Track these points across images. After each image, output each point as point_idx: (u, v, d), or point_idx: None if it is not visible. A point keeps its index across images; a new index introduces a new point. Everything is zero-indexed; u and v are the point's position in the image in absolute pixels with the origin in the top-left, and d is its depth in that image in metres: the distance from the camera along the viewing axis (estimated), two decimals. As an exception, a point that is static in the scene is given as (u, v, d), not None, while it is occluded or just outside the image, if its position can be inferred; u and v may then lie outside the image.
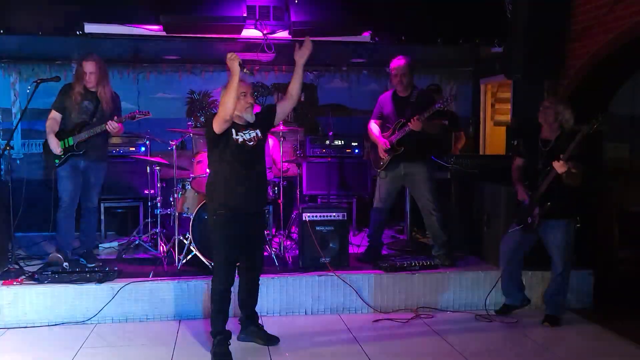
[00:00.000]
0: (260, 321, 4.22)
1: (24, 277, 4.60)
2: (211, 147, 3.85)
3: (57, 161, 4.93)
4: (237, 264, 4.01)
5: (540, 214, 4.35)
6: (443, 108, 5.01)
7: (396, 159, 5.20)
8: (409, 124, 5.01)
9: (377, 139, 5.27)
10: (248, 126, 3.87)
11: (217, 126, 3.69)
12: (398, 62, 5.12)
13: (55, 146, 4.88)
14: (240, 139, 3.80)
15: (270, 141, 6.10)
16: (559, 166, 4.20)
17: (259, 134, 3.90)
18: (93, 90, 5.00)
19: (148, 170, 5.91)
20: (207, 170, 4.17)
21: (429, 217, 5.27)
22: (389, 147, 5.17)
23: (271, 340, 4.12)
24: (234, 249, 3.88)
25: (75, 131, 4.93)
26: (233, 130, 3.78)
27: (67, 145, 4.91)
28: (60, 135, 4.94)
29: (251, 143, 3.83)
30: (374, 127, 5.37)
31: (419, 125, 4.98)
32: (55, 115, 4.98)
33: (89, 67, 4.90)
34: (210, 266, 4.87)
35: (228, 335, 3.93)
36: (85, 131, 4.92)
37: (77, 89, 4.95)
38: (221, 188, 3.82)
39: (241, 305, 4.14)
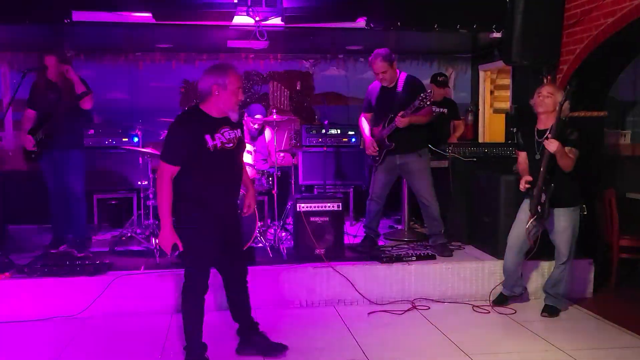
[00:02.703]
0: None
1: (13, 270, 4.53)
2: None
3: (33, 155, 5.05)
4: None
5: (548, 198, 4.25)
6: (422, 106, 4.79)
7: (390, 152, 5.11)
8: (395, 120, 4.90)
9: (364, 138, 5.23)
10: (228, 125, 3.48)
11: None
12: (374, 62, 4.94)
13: (28, 143, 5.00)
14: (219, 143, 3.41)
15: (267, 131, 6.01)
16: (548, 144, 4.13)
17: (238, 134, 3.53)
18: (55, 81, 5.07)
19: (141, 161, 5.82)
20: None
21: (426, 207, 5.18)
22: (377, 148, 5.11)
23: (276, 350, 3.72)
24: (212, 253, 3.51)
25: (42, 123, 5.02)
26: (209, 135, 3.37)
27: (38, 139, 5.01)
28: (31, 130, 5.04)
29: (230, 145, 3.45)
30: (363, 123, 5.31)
31: (404, 122, 4.87)
32: (29, 113, 5.12)
33: (48, 61, 5.00)
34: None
35: (205, 349, 3.58)
36: (51, 121, 4.99)
37: (41, 83, 5.05)
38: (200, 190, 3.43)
39: (235, 316, 3.79)
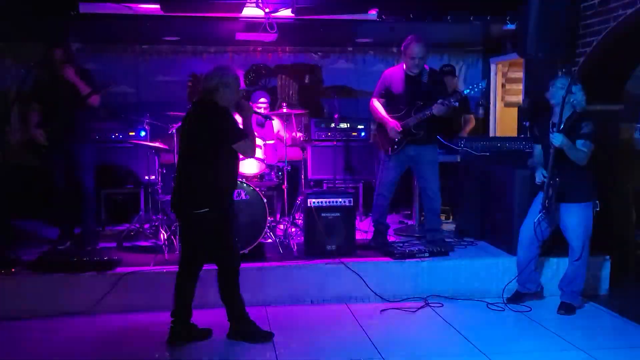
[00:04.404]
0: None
1: (20, 267, 4.47)
2: (223, 142, 3.66)
3: (44, 150, 4.99)
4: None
5: (554, 192, 4.16)
6: (470, 94, 4.89)
7: (407, 142, 5.01)
8: (432, 108, 4.82)
9: (386, 120, 5.02)
10: None
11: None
12: (416, 45, 4.83)
13: (40, 137, 4.94)
14: None
15: (277, 123, 5.93)
16: (553, 137, 4.08)
17: None
18: (62, 74, 4.96)
19: (148, 156, 5.75)
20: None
21: (431, 200, 5.12)
22: (402, 130, 4.96)
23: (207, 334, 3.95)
24: None
25: (54, 117, 4.94)
26: None
27: (49, 133, 4.94)
28: (40, 124, 4.97)
29: None
30: (379, 106, 5.11)
31: (443, 110, 4.81)
32: (35, 107, 5.02)
33: (57, 54, 4.90)
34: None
35: None
36: (64, 115, 4.92)
37: (50, 77, 4.95)
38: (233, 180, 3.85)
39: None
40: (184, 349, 3.76)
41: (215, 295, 4.37)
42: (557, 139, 4.07)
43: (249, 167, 5.20)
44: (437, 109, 4.80)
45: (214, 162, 3.63)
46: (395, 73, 5.08)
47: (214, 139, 3.60)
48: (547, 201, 4.21)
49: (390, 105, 5.08)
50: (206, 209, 3.62)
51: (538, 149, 4.50)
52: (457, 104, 4.97)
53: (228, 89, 3.65)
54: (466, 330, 4.05)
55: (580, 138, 4.14)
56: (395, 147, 5.03)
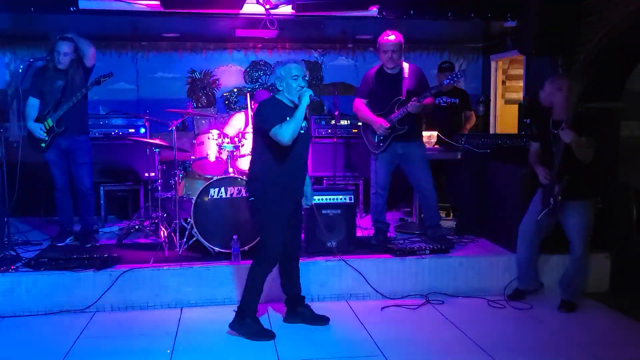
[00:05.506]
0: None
1: (19, 264, 4.46)
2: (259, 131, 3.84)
3: (43, 145, 4.96)
4: None
5: (561, 191, 4.16)
6: (452, 85, 4.84)
7: (393, 139, 5.00)
8: (408, 105, 4.81)
9: (372, 119, 5.02)
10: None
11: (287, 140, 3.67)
12: (389, 39, 4.86)
13: (39, 131, 4.92)
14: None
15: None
16: (564, 134, 4.06)
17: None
18: (64, 69, 4.94)
19: (148, 153, 5.74)
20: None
21: (426, 197, 5.12)
22: (389, 126, 4.95)
23: (321, 320, 4.12)
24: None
25: (51, 111, 4.92)
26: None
27: (47, 127, 4.92)
28: (38, 119, 4.95)
29: (302, 131, 3.83)
30: (363, 106, 5.12)
31: (417, 108, 4.81)
32: (33, 102, 4.99)
33: (64, 47, 4.85)
34: (213, 251, 4.73)
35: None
36: (60, 109, 4.90)
37: (53, 71, 4.92)
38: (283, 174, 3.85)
39: (285, 289, 4.17)
40: (186, 348, 3.75)
41: (219, 294, 4.41)
42: (568, 136, 4.06)
43: (248, 164, 5.18)
44: (411, 107, 4.79)
45: (261, 153, 3.83)
46: (375, 72, 5.09)
47: (253, 128, 3.93)
48: (552, 200, 4.20)
49: (373, 104, 5.09)
50: (252, 198, 3.86)
51: (535, 146, 4.49)
52: (447, 99, 4.99)
53: (284, 82, 3.77)
54: (467, 328, 4.05)
55: (584, 135, 4.13)
56: (381, 144, 5.02)
